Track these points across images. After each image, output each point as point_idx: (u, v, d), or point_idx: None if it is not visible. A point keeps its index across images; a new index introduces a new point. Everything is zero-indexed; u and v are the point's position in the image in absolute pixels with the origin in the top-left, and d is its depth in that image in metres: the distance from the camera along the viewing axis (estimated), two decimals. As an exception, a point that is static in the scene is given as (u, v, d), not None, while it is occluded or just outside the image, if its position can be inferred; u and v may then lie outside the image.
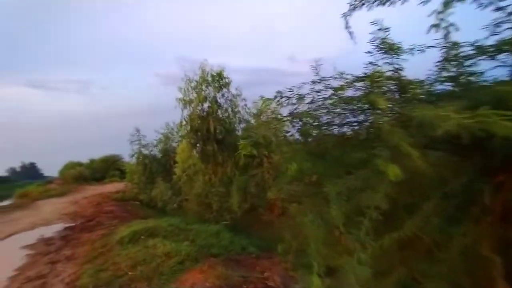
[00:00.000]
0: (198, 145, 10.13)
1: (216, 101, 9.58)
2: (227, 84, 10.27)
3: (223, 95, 10.24)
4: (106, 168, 39.36)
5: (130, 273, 3.90)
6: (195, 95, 9.86)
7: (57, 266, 5.46)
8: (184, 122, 10.01)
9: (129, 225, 7.68)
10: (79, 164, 42.69)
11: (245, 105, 10.89)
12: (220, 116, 9.79)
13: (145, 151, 19.91)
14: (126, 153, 20.07)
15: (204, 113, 9.48)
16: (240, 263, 5.05)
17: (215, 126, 9.08)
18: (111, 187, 26.31)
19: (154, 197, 16.00)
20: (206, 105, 9.65)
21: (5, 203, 27.53)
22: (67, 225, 9.75)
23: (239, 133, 11.04)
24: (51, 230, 9.15)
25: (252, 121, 11.57)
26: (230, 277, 3.89)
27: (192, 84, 9.67)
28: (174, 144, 19.77)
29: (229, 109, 10.07)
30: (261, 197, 10.80)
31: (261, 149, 10.83)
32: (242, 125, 11.15)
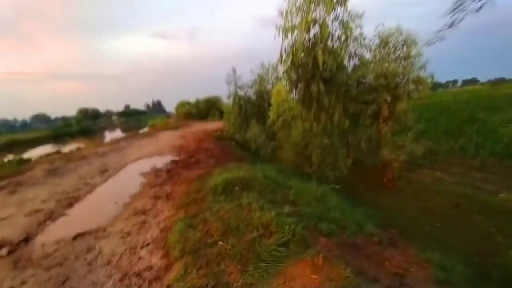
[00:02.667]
0: (299, 85, 8.33)
1: (327, 26, 7.11)
2: (343, 2, 7.44)
3: (336, 18, 7.58)
4: (209, 108, 43.60)
5: (220, 243, 2.98)
6: (299, 19, 7.64)
7: (158, 203, 5.43)
8: (283, 56, 8.20)
9: (223, 169, 7.24)
10: (188, 103, 48.96)
11: (360, 34, 7.93)
12: (331, 46, 7.40)
13: (241, 92, 19.81)
14: (225, 95, 20.67)
15: (311, 42, 7.33)
16: (360, 251, 3.54)
17: (324, 59, 6.89)
18: (212, 125, 28.78)
19: (248, 139, 15.99)
20: (313, 31, 7.39)
21: (142, 130, 34.98)
22: (173, 158, 10.56)
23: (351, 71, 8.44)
24: (162, 161, 10.06)
25: (370, 55, 8.59)
26: (357, 286, 2.46)
27: (298, 3, 7.40)
28: (269, 87, 18.73)
29: (342, 37, 7.45)
30: (373, 156, 8.58)
31: (381, 93, 8.11)
32: (353, 62, 8.43)
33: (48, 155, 14.12)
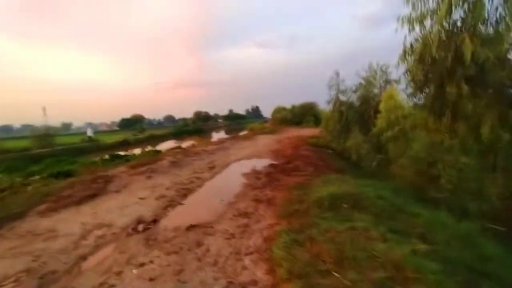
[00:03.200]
0: (427, 86, 6.73)
1: (484, 3, 5.32)
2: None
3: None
4: (304, 114, 43.33)
5: (336, 274, 2.45)
6: (433, 4, 6.13)
7: (259, 207, 5.38)
8: (407, 52, 6.81)
9: (324, 180, 6.61)
10: (284, 109, 50.20)
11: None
12: (485, 32, 5.55)
13: (342, 97, 18.41)
14: (323, 100, 19.73)
15: (452, 30, 5.73)
16: None
17: (474, 50, 5.20)
18: (307, 131, 28.21)
19: (348, 148, 14.58)
20: (457, 14, 5.74)
21: (242, 133, 38.18)
22: (271, 161, 10.66)
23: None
24: (261, 163, 10.33)
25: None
26: None
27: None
28: (376, 91, 16.63)
29: (507, 18, 5.43)
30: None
31: None
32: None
33: (172, 149, 17.18)
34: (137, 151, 22.67)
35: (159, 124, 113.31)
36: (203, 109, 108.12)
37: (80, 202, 6.23)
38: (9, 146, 23.31)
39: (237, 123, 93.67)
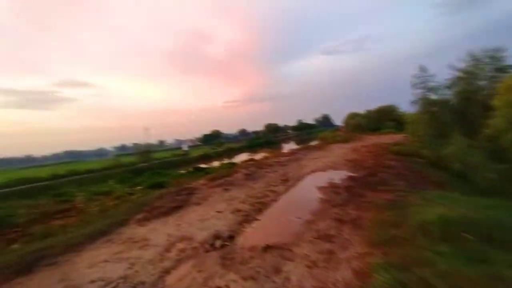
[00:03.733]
0: None
1: None
2: None
3: None
4: (381, 118, 38.76)
5: None
6: None
7: (343, 229, 4.60)
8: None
9: (425, 198, 5.28)
10: (357, 114, 46.23)
11: None
12: None
13: (433, 96, 15.41)
14: (403, 102, 16.97)
15: None
16: None
17: None
18: (386, 138, 24.86)
19: (447, 156, 11.85)
20: None
21: (313, 143, 36.90)
22: (349, 174, 9.50)
23: None
24: (338, 176, 9.33)
25: None
26: None
27: None
28: (483, 83, 13.25)
29: None
30: None
31: None
32: None
33: (246, 161, 17.70)
34: (216, 163, 24.46)
35: (234, 138, 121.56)
36: (273, 121, 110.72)
37: (167, 213, 6.77)
38: (123, 161, 28.82)
39: (307, 132, 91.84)
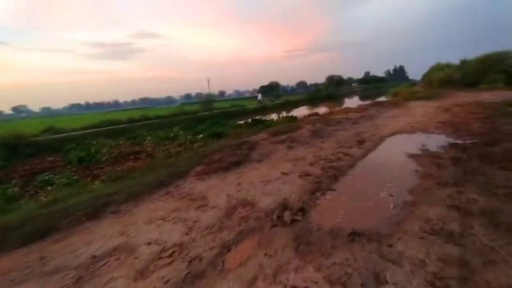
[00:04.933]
0: None
1: None
2: None
3: None
4: (484, 71, 30.23)
5: None
6: None
7: (473, 226, 3.09)
8: None
9: None
10: (447, 66, 37.19)
11: None
12: None
13: None
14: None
15: None
16: None
17: None
18: (492, 95, 19.30)
19: None
20: None
21: (381, 99, 32.13)
22: (450, 140, 7.22)
23: None
24: (433, 142, 7.20)
25: None
26: None
27: None
28: None
29: None
30: None
31: None
32: None
33: (309, 115, 16.05)
34: (274, 116, 23.42)
35: (292, 90, 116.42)
36: (336, 73, 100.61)
37: (227, 168, 6.17)
38: (186, 110, 30.29)
39: (374, 87, 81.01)
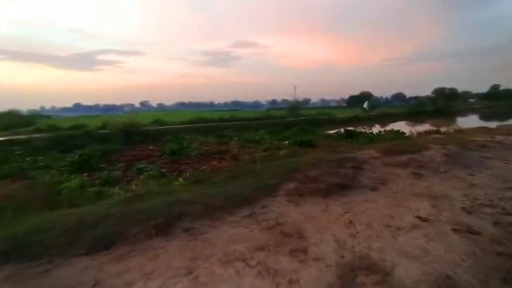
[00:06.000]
0: None
1: None
2: None
3: None
4: None
5: None
6: None
7: None
8: None
9: None
10: None
11: None
12: None
13: None
14: None
15: None
16: None
17: None
18: None
19: None
20: None
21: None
22: None
23: None
24: None
25: None
26: None
27: None
28: None
29: None
30: None
31: None
32: None
33: (426, 133, 12.51)
34: (363, 129, 20.17)
35: (387, 102, 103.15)
36: (445, 85, 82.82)
37: (328, 192, 4.57)
38: (273, 114, 30.13)
39: (506, 104, 61.74)
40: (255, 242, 3.03)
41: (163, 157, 10.51)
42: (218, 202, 4.08)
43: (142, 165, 8.49)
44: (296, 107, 30.19)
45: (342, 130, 16.00)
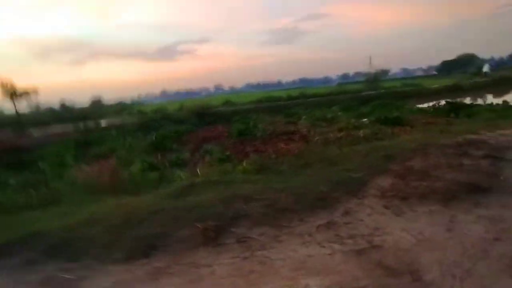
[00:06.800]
0: None
1: None
2: None
3: None
4: None
5: None
6: None
7: None
8: None
9: None
10: None
11: None
12: None
13: None
14: None
15: None
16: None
17: None
18: None
19: None
20: None
21: None
22: None
23: None
24: None
25: None
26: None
27: None
28: None
29: None
30: None
31: None
32: None
33: None
34: (467, 100, 15.40)
35: (502, 63, 78.72)
36: None
37: (451, 195, 2.96)
38: (346, 89, 26.73)
39: None
40: (338, 279, 1.93)
41: (230, 138, 10.24)
42: (284, 201, 3.11)
43: (209, 147, 8.34)
44: (375, 79, 25.80)
45: (441, 102, 12.50)
